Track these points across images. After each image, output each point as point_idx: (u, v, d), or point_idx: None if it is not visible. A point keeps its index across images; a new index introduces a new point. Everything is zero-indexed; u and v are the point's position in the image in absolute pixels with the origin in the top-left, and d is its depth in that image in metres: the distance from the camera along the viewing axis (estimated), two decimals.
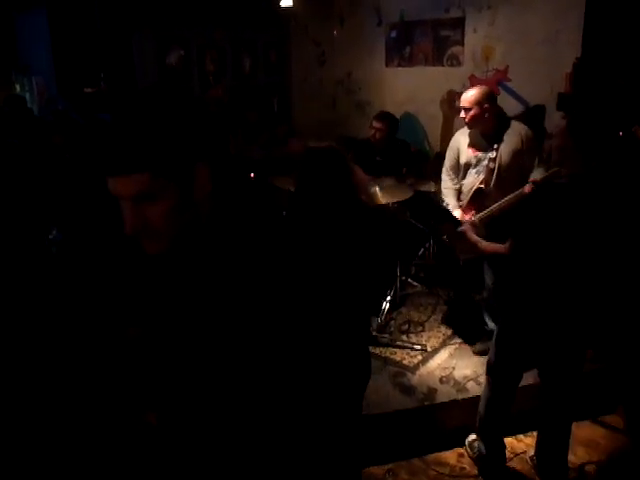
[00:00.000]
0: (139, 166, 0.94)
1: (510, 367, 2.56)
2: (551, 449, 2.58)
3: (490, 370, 2.62)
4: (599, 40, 4.28)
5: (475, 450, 2.78)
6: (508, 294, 2.62)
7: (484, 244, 2.63)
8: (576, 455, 2.84)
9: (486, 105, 3.16)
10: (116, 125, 0.98)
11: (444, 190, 3.54)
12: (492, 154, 3.23)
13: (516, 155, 3.20)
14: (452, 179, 3.49)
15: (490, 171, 3.25)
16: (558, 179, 2.33)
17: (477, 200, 3.31)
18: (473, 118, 3.19)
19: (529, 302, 2.40)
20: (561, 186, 2.30)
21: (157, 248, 1.03)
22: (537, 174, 3.05)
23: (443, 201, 3.53)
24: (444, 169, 3.55)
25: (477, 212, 3.23)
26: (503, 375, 2.58)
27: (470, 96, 3.18)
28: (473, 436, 2.82)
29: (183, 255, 1.09)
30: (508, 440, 2.82)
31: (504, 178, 3.22)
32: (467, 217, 3.30)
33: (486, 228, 3.06)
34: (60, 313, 2.84)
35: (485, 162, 3.26)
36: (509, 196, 2.92)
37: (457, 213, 3.37)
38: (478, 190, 3.30)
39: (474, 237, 2.68)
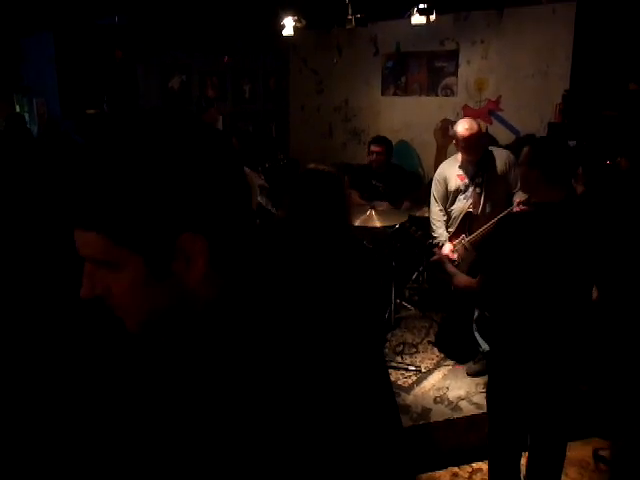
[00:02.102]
0: (87, 222, 0.70)
1: (509, 417, 2.37)
2: (543, 472, 2.49)
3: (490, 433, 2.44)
4: (587, 74, 4.47)
5: None
6: (491, 333, 2.56)
7: (458, 278, 2.50)
8: (568, 476, 2.89)
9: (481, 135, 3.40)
10: (82, 159, 0.72)
11: (435, 222, 3.67)
12: (479, 179, 3.44)
13: (501, 179, 3.43)
14: (441, 210, 3.64)
15: (478, 195, 3.46)
16: (526, 207, 2.34)
17: (467, 223, 3.48)
18: (474, 147, 3.37)
19: (512, 336, 2.27)
20: (525, 215, 2.32)
21: (129, 326, 0.78)
22: (520, 196, 3.22)
23: (434, 231, 3.65)
24: (432, 200, 3.69)
25: (467, 236, 3.40)
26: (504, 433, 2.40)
27: (472, 128, 3.34)
28: None
29: (167, 348, 0.84)
30: None
31: (491, 201, 3.43)
32: (457, 241, 3.43)
33: (476, 251, 3.19)
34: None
35: (472, 187, 3.47)
36: (496, 218, 3.08)
37: (447, 245, 3.44)
38: (467, 214, 3.47)
39: (450, 268, 2.62)
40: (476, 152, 3.40)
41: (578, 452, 3.05)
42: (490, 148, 3.55)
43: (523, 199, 3.15)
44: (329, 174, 2.11)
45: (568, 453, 2.91)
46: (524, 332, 2.21)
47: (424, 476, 2.88)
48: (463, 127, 3.34)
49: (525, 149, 2.27)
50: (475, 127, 3.35)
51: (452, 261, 3.06)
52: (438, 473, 2.90)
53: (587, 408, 3.17)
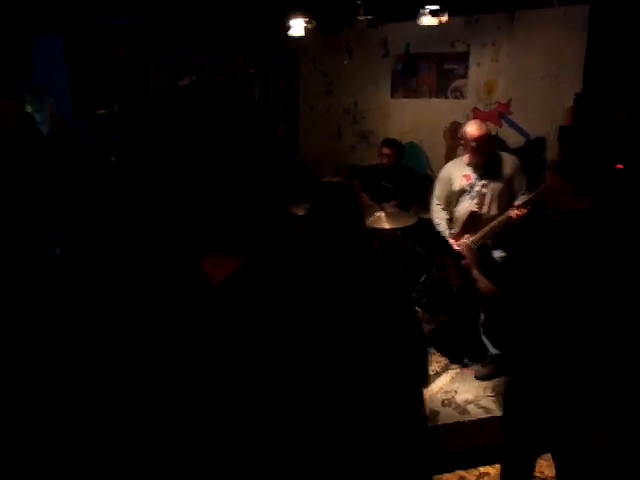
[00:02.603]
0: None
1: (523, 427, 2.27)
2: None
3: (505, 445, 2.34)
4: (600, 76, 4.44)
5: None
6: (513, 339, 2.53)
7: (483, 283, 2.55)
8: None
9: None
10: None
11: (437, 220, 3.70)
12: (484, 181, 3.48)
13: (506, 183, 3.46)
14: (443, 209, 3.68)
15: (482, 196, 3.49)
16: (552, 216, 2.33)
17: (471, 223, 3.49)
18: (483, 149, 3.41)
19: (537, 343, 2.20)
20: (554, 223, 2.27)
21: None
22: (521, 199, 3.34)
23: (437, 229, 3.70)
24: (434, 199, 3.72)
25: (471, 235, 3.43)
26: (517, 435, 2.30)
27: (482, 129, 3.41)
28: None
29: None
30: None
31: (496, 203, 3.47)
32: (461, 241, 3.45)
33: (479, 251, 3.24)
34: (61, 315, 2.85)
35: (477, 188, 3.49)
36: (498, 218, 3.31)
37: (452, 242, 3.54)
38: (472, 214, 3.48)
39: (476, 274, 2.64)
40: (484, 154, 3.43)
41: None
42: (497, 152, 3.57)
43: (521, 202, 3.27)
44: (345, 186, 2.14)
45: None
46: (549, 340, 2.14)
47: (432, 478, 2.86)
48: (473, 128, 3.39)
49: (551, 160, 2.27)
50: (484, 129, 3.41)
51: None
52: (446, 476, 2.88)
53: None
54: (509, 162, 3.50)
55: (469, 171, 3.52)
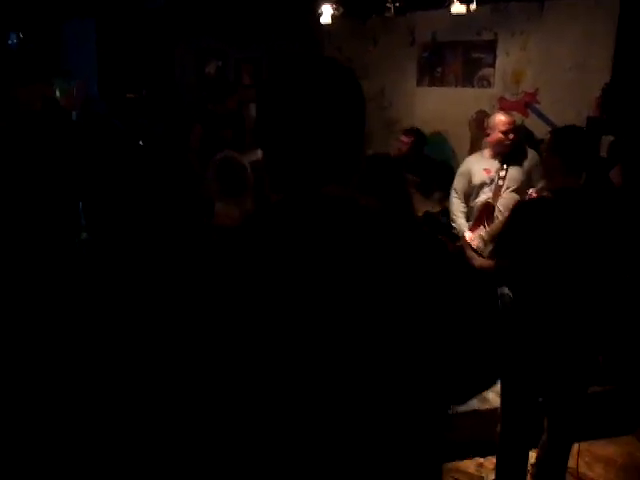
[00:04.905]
0: None
1: (522, 393, 2.46)
2: (553, 466, 2.52)
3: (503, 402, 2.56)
4: (629, 67, 4.38)
5: None
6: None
7: (475, 260, 2.68)
8: (594, 472, 2.89)
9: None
10: None
11: (455, 212, 3.74)
12: (502, 173, 3.51)
13: (524, 174, 3.50)
14: (462, 202, 3.72)
15: (499, 188, 3.52)
16: (546, 194, 2.41)
17: (485, 214, 3.53)
18: (508, 139, 3.45)
19: (530, 320, 2.34)
20: (544, 200, 2.39)
21: None
22: (539, 186, 3.34)
23: (454, 222, 3.73)
24: (453, 192, 3.77)
25: (485, 228, 3.48)
26: (517, 406, 2.49)
27: (510, 118, 3.48)
28: None
29: None
30: None
31: (511, 194, 3.47)
32: (476, 233, 3.48)
33: (495, 235, 3.28)
34: (85, 312, 2.91)
35: (496, 180, 3.53)
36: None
37: (467, 234, 3.56)
38: (486, 205, 3.50)
39: (470, 253, 2.75)
40: (508, 145, 3.47)
41: (605, 449, 3.05)
42: (521, 144, 3.61)
43: (539, 188, 3.27)
44: (391, 159, 2.19)
45: (595, 450, 2.94)
46: (541, 314, 2.28)
47: (450, 465, 2.91)
48: (500, 117, 3.46)
49: (547, 137, 2.40)
50: (512, 118, 3.48)
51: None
52: (465, 462, 2.93)
53: (617, 405, 3.17)
54: (530, 156, 3.54)
55: (490, 165, 3.55)
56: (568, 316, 2.26)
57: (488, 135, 3.56)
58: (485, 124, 3.72)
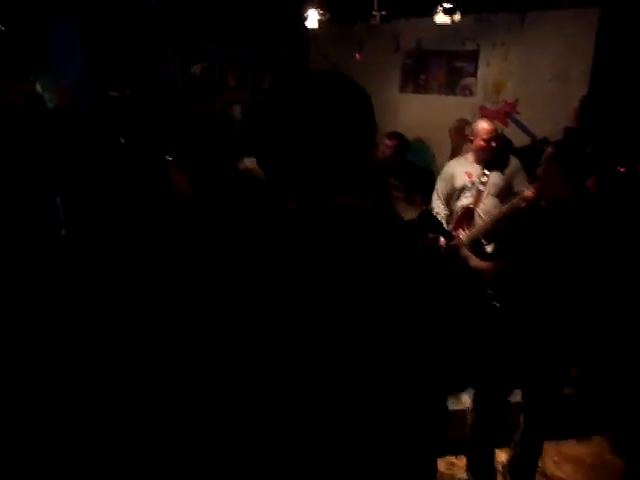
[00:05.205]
0: None
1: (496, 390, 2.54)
2: (526, 464, 2.62)
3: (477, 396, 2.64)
4: (608, 79, 4.49)
5: None
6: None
7: (474, 261, 2.69)
8: (563, 471, 2.96)
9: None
10: None
11: (437, 215, 3.76)
12: (484, 179, 3.58)
13: (505, 181, 3.58)
14: (444, 205, 3.78)
15: (480, 193, 3.59)
16: (541, 204, 2.50)
17: (466, 219, 3.60)
18: (489, 146, 3.53)
19: (519, 321, 2.36)
20: (541, 210, 2.47)
21: None
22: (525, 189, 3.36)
23: None
24: (435, 195, 3.82)
25: (465, 231, 3.54)
26: (490, 399, 2.58)
27: (491, 127, 3.55)
28: None
29: None
30: None
31: (492, 200, 3.56)
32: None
33: (472, 248, 3.32)
34: (65, 311, 2.89)
35: (477, 185, 3.61)
36: (493, 215, 3.37)
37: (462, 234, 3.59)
38: (467, 209, 3.56)
39: (465, 253, 2.78)
40: (490, 151, 3.55)
41: (574, 449, 3.12)
42: (503, 151, 3.69)
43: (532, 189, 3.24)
44: (374, 163, 2.17)
45: (564, 449, 3.01)
46: (532, 314, 2.34)
47: None
48: (483, 124, 3.54)
49: (549, 148, 2.44)
50: (494, 127, 3.57)
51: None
52: None
53: (585, 407, 3.24)
54: (511, 162, 3.63)
55: (472, 169, 3.62)
56: (558, 317, 2.35)
57: (471, 141, 3.65)
58: (468, 131, 3.80)
